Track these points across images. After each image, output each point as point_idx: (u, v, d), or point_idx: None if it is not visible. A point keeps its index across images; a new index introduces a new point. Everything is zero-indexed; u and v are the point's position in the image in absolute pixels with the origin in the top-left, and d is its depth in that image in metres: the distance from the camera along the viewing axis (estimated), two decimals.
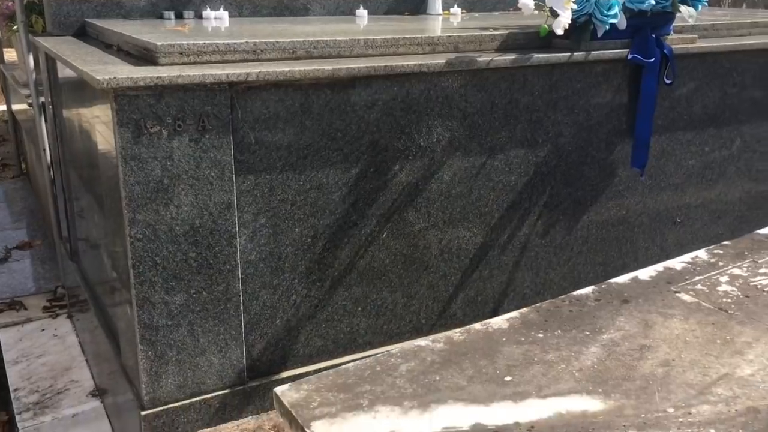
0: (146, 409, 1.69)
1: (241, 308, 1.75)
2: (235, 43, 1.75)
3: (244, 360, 1.79)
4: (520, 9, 2.02)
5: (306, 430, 1.19)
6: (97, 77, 1.47)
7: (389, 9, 3.08)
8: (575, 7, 1.93)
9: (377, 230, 1.91)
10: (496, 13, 3.24)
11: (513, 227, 2.14)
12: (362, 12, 2.95)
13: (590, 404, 1.23)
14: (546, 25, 1.98)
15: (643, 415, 1.19)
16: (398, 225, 1.94)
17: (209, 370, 1.75)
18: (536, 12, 2.02)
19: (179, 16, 2.66)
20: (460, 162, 1.98)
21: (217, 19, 2.68)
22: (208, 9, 2.69)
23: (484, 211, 2.07)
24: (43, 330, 2.84)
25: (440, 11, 3.11)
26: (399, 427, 1.19)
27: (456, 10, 3.14)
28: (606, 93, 2.17)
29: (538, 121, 2.08)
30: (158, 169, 1.56)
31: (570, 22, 1.92)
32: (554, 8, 1.90)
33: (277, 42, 1.80)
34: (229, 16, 2.74)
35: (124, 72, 1.54)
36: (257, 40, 1.78)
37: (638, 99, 2.16)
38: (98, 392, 2.39)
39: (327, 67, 1.71)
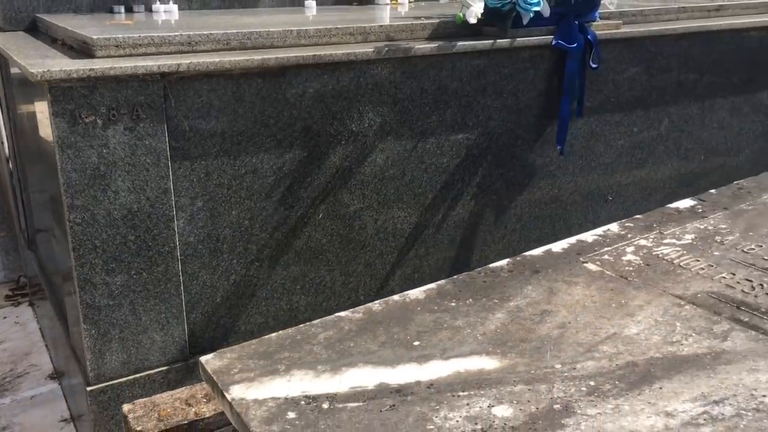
0: (92, 385, 1.79)
1: (182, 288, 1.85)
2: (169, 36, 1.84)
3: (186, 337, 1.89)
4: None
5: (225, 393, 1.29)
6: (32, 70, 1.56)
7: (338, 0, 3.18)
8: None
9: (313, 212, 2.01)
10: (443, 1, 3.34)
11: (447, 207, 2.25)
12: (311, 3, 3.04)
13: (487, 363, 1.35)
14: (461, 14, 2.08)
15: (532, 372, 1.31)
16: (334, 206, 2.04)
17: (152, 347, 1.85)
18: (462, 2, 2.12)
19: (129, 9, 2.74)
20: (392, 146, 2.09)
21: (167, 12, 2.76)
22: (158, 2, 2.77)
23: (418, 192, 2.18)
24: (5, 318, 2.93)
25: (388, 1, 3.20)
26: (310, 387, 1.29)
27: (403, 0, 3.24)
28: (533, 77, 2.28)
29: (468, 106, 2.18)
30: (94, 157, 1.65)
31: (482, 11, 2.02)
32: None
33: (210, 34, 1.89)
34: (179, 9, 2.82)
35: (59, 65, 1.62)
36: (191, 32, 1.87)
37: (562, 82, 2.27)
38: (56, 375, 2.48)
39: (256, 57, 1.81)
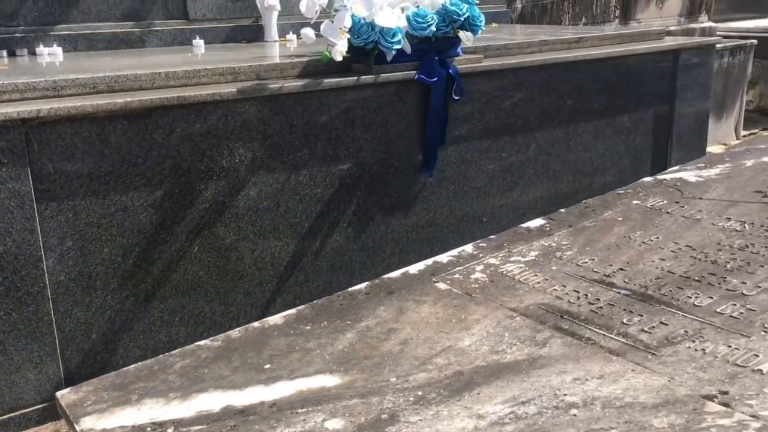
0: None
1: (54, 326, 1.89)
2: (34, 82, 1.90)
3: (62, 374, 1.92)
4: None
5: (75, 425, 1.35)
6: None
7: (227, 37, 3.27)
8: (348, 36, 2.17)
9: (188, 245, 2.09)
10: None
11: (324, 235, 2.36)
12: (199, 42, 3.13)
13: (329, 381, 1.45)
14: (327, 52, 2.21)
15: (369, 386, 1.41)
16: (209, 239, 2.12)
17: (26, 385, 1.88)
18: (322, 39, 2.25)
19: (12, 54, 2.77)
20: (265, 179, 2.19)
21: (51, 55, 2.80)
22: (42, 46, 2.81)
23: (294, 222, 2.28)
24: None
25: (276, 38, 3.32)
26: (158, 414, 1.37)
27: (292, 36, 3.36)
28: (401, 109, 2.43)
29: (338, 138, 2.31)
30: None
31: (345, 49, 2.16)
32: (329, 38, 2.14)
33: (76, 78, 1.96)
34: (65, 51, 2.86)
35: None
36: (57, 78, 1.93)
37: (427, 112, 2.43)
38: None
39: (119, 100, 1.89)
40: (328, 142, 2.29)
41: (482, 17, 2.47)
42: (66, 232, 1.88)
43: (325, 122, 2.27)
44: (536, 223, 2.17)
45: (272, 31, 3.32)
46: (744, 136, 6.46)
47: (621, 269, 1.79)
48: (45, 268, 1.85)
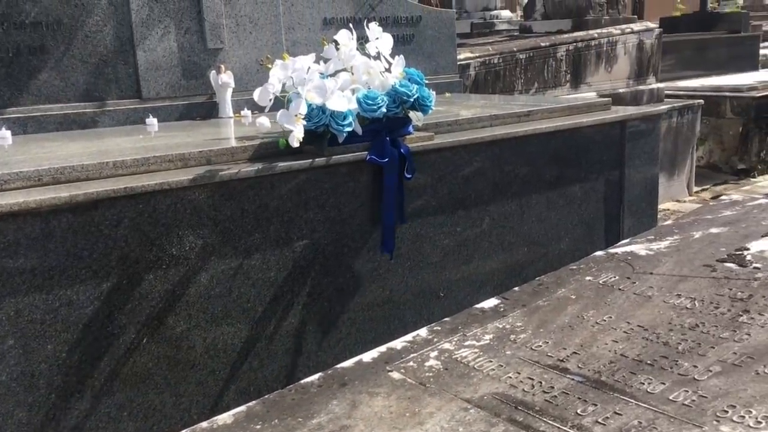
0: None
1: None
2: None
3: None
4: None
5: None
6: None
7: (181, 115, 3.27)
8: (305, 122, 2.19)
9: (137, 337, 2.03)
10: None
11: (278, 318, 2.32)
12: (152, 120, 3.12)
13: None
14: (283, 140, 2.21)
15: None
16: (158, 330, 2.07)
17: None
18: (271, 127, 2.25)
19: None
20: (216, 265, 2.16)
21: (0, 138, 2.76)
22: None
23: (247, 307, 2.24)
24: None
25: (231, 114, 3.33)
26: None
27: (246, 112, 3.36)
28: (354, 189, 2.43)
29: (291, 221, 2.30)
30: None
31: (302, 135, 2.17)
32: (286, 125, 2.15)
33: (20, 172, 1.93)
34: (13, 134, 2.82)
35: None
36: (0, 172, 1.90)
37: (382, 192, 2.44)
38: None
39: (64, 194, 1.85)
40: (281, 224, 2.28)
41: (432, 96, 2.51)
42: (7, 331, 1.82)
43: (278, 205, 2.26)
44: (490, 303, 2.17)
45: (227, 107, 3.33)
46: (696, 192, 6.63)
47: (575, 353, 1.79)
48: None
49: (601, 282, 2.21)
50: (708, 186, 6.92)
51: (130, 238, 1.99)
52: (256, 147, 2.33)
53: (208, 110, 3.35)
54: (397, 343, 1.95)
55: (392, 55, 2.52)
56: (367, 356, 1.89)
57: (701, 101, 6.91)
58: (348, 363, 1.87)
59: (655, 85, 6.87)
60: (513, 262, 2.95)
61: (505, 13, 11.33)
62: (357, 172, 2.44)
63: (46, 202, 1.82)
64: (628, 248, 2.47)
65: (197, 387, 2.17)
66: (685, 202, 6.31)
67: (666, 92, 7.13)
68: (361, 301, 2.51)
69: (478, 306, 2.15)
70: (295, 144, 2.18)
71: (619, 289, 2.14)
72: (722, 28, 11.36)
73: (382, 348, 1.93)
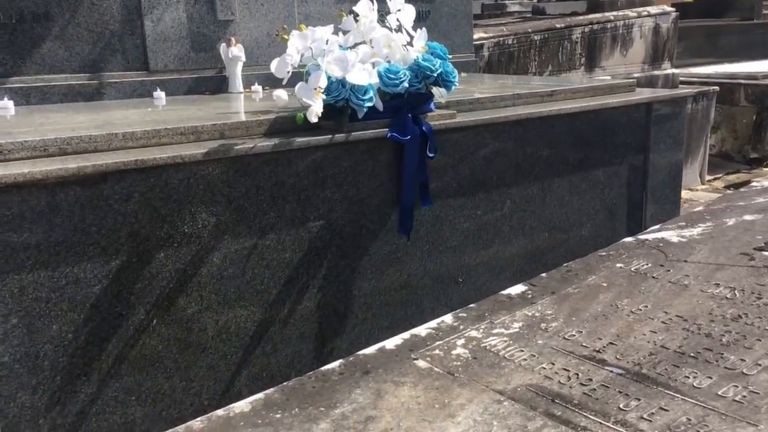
0: None
1: None
2: None
3: None
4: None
5: None
6: None
7: (189, 89, 3.15)
8: (324, 96, 2.07)
9: (146, 318, 1.93)
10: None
11: (293, 301, 2.22)
12: (159, 94, 3.00)
13: None
14: (301, 114, 2.10)
15: None
16: (169, 311, 1.97)
17: None
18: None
19: None
20: (229, 245, 2.05)
21: (2, 109, 2.64)
22: None
23: (261, 289, 2.14)
24: None
25: (241, 89, 3.21)
26: None
27: (257, 87, 3.25)
28: (373, 168, 2.32)
29: (307, 200, 2.19)
30: None
31: (321, 110, 2.05)
32: (304, 99, 2.03)
33: (25, 141, 1.81)
34: (16, 105, 2.71)
35: None
36: (3, 141, 1.79)
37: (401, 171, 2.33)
38: None
39: (72, 165, 1.74)
40: (297, 203, 2.17)
41: (455, 73, 2.40)
42: (11, 309, 1.72)
43: (294, 183, 2.15)
44: (517, 289, 2.07)
45: (237, 82, 3.21)
46: (708, 180, 6.52)
47: (611, 343, 1.69)
48: None
49: (633, 269, 2.10)
50: (720, 175, 6.81)
51: (141, 214, 1.88)
52: (271, 121, 2.21)
53: (218, 84, 3.23)
54: (421, 330, 1.85)
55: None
56: (390, 343, 1.79)
57: (716, 88, 6.78)
58: (370, 350, 1.77)
59: (670, 71, 6.74)
60: (533, 247, 2.84)
61: None
62: (376, 150, 2.32)
63: (53, 174, 1.71)
64: (658, 235, 2.36)
65: (208, 371, 2.07)
66: (697, 190, 6.21)
67: (680, 78, 7.01)
68: (377, 285, 2.41)
69: (505, 292, 2.05)
70: (314, 119, 2.07)
71: (653, 277, 2.04)
72: (734, 15, 11.21)
73: (406, 335, 1.83)
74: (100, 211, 1.82)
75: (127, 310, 1.90)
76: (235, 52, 3.15)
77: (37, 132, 1.93)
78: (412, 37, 2.40)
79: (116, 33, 2.96)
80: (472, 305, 1.98)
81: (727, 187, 6.48)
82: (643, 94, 3.14)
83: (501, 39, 5.25)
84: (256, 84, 3.26)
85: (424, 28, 2.40)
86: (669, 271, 2.07)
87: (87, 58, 2.90)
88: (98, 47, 2.92)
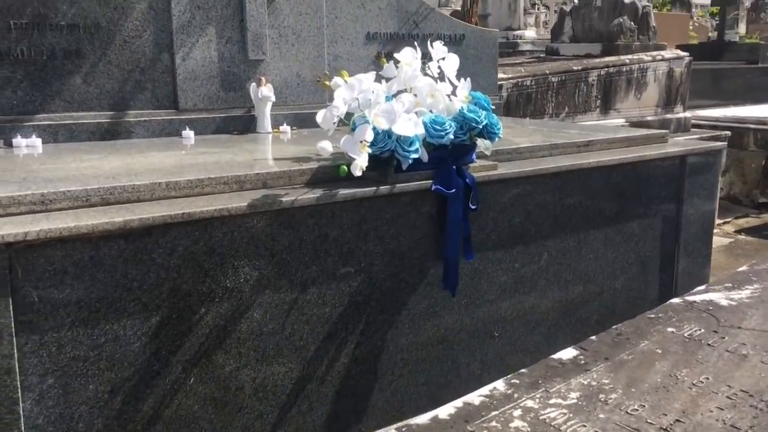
0: None
1: None
2: (20, 196, 1.68)
3: None
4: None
5: None
6: None
7: (217, 128, 3.10)
8: (370, 150, 2.01)
9: (183, 377, 1.85)
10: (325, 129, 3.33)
11: (331, 358, 2.14)
12: (188, 133, 2.95)
13: None
14: (344, 167, 2.04)
15: None
16: (207, 369, 1.89)
17: None
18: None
19: None
20: (270, 299, 1.98)
21: (30, 147, 2.59)
22: (19, 137, 2.59)
23: (299, 345, 2.06)
24: None
25: (270, 129, 3.15)
26: None
27: (286, 127, 3.21)
28: (415, 220, 2.26)
29: (350, 253, 2.12)
30: None
31: (366, 163, 1.99)
32: (349, 153, 1.98)
33: (68, 191, 1.75)
34: (44, 143, 2.65)
35: None
36: (46, 191, 1.72)
37: (445, 224, 2.27)
38: None
39: (118, 219, 1.67)
40: (339, 257, 2.10)
41: (500, 124, 2.35)
42: (48, 368, 1.63)
43: (337, 236, 2.08)
44: (568, 354, 1.99)
45: (266, 121, 3.16)
46: (718, 224, 6.48)
47: (678, 420, 1.61)
48: (21, 412, 1.59)
49: (686, 335, 2.03)
50: (730, 219, 6.78)
51: (184, 269, 1.81)
52: (314, 171, 2.15)
53: (246, 124, 3.18)
54: (474, 398, 1.77)
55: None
56: (443, 412, 1.72)
57: (728, 133, 6.79)
58: (422, 419, 1.69)
59: (682, 114, 6.74)
60: (567, 300, 2.78)
61: (529, 33, 11.19)
62: (419, 202, 2.26)
63: (99, 228, 1.64)
64: (706, 296, 2.30)
65: None
66: None
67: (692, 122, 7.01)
68: (415, 340, 2.33)
69: (556, 357, 1.97)
70: (358, 173, 2.01)
71: (709, 345, 1.97)
72: (740, 58, 11.29)
73: (458, 403, 1.75)
74: (143, 266, 1.74)
75: (164, 369, 1.82)
76: (264, 92, 3.10)
77: (79, 180, 1.86)
78: (455, 87, 2.35)
79: (146, 71, 2.91)
80: (523, 370, 1.91)
81: (738, 231, 6.45)
82: (678, 145, 3.10)
83: (520, 80, 5.23)
84: (285, 124, 3.22)
85: (468, 79, 2.35)
86: (724, 338, 2.00)
87: (116, 96, 2.84)
88: (128, 85, 2.86)
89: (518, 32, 10.63)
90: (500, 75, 5.16)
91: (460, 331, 2.46)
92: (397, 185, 2.18)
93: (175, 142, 2.83)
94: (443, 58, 2.38)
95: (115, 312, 1.71)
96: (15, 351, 1.57)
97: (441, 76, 2.37)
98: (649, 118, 6.18)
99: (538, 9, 18.66)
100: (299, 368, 2.07)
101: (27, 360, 1.60)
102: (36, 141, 2.60)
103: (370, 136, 2.03)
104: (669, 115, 6.46)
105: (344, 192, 2.07)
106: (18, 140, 2.57)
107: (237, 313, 1.92)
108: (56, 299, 1.63)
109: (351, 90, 2.12)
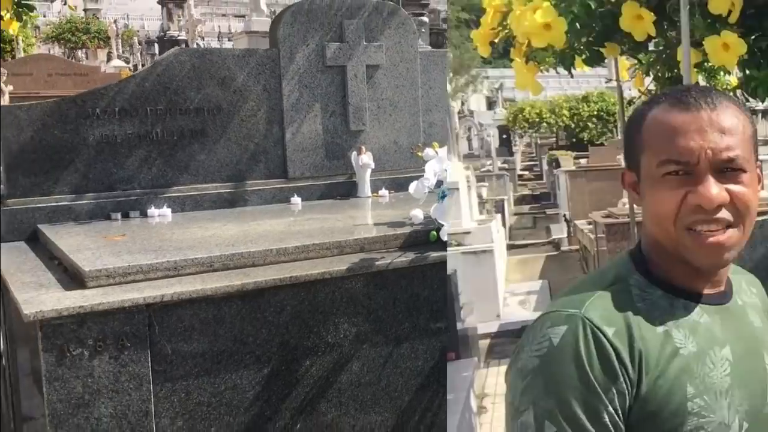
0: None
1: None
2: (157, 263, 1.99)
3: None
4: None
5: None
6: (25, 311, 1.69)
7: (322, 194, 3.39)
8: None
9: (291, 423, 2.08)
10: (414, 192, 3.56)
11: (423, 408, 2.31)
12: (296, 200, 3.26)
13: None
14: (434, 232, 2.25)
15: None
16: (311, 416, 2.11)
17: None
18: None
19: (126, 215, 2.93)
20: (367, 353, 2.19)
21: (161, 216, 2.96)
22: (153, 207, 2.97)
23: (394, 396, 2.25)
24: None
25: (369, 194, 3.42)
26: None
27: (384, 192, 3.46)
28: None
29: (440, 311, 2.31)
30: (79, 387, 1.75)
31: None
32: (439, 220, 2.19)
33: (195, 258, 2.05)
34: (173, 212, 3.01)
35: (51, 302, 1.76)
36: (177, 258, 2.03)
37: None
38: None
39: (236, 282, 1.95)
40: (430, 314, 2.29)
41: None
42: (178, 412, 1.91)
43: (428, 295, 2.28)
44: None
45: (365, 187, 3.42)
46: None
47: None
48: None
49: None
50: None
51: (291, 326, 2.06)
52: (406, 236, 2.37)
53: (347, 189, 3.45)
54: None
55: None
56: None
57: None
58: None
59: None
60: None
61: None
62: None
63: (221, 290, 1.92)
64: None
65: None
66: None
67: None
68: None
69: None
70: (446, 238, 2.21)
71: None
72: None
73: None
74: (257, 323, 2.00)
75: (274, 415, 2.05)
76: (365, 160, 3.37)
77: (204, 248, 2.17)
78: None
79: (260, 145, 3.25)
80: None
81: None
82: None
83: None
84: (383, 188, 3.47)
85: None
86: None
87: (234, 168, 3.20)
88: (244, 158, 3.22)
89: None
90: None
91: None
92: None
93: (285, 208, 3.13)
94: None
95: (233, 363, 1.98)
96: (151, 396, 1.85)
97: None
98: None
99: None
100: (394, 417, 2.26)
101: (161, 404, 1.88)
102: (166, 211, 2.97)
103: None
104: None
105: (434, 255, 2.27)
106: (152, 210, 2.94)
107: (338, 365, 2.14)
108: (185, 351, 1.91)
109: (440, 162, 2.34)
